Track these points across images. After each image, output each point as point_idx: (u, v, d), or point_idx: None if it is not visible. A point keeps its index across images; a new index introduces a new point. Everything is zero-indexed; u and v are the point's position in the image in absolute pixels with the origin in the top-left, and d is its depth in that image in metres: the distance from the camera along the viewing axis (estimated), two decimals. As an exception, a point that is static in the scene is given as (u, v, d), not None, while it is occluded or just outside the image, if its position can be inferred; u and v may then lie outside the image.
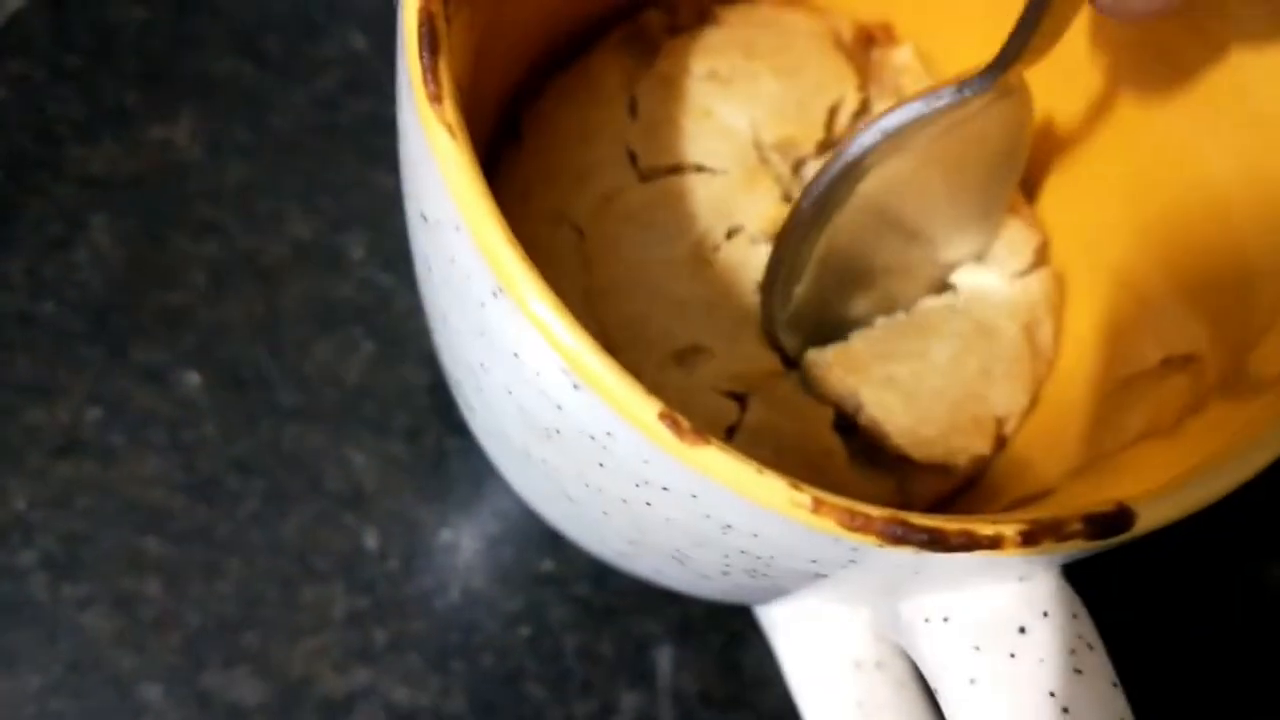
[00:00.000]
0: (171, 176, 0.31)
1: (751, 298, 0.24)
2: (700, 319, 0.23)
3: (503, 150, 0.25)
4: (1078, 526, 0.16)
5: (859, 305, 0.25)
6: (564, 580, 0.30)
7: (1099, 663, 0.18)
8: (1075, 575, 0.19)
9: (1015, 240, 0.26)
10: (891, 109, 0.21)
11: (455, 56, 0.17)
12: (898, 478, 0.25)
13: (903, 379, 0.24)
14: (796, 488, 0.15)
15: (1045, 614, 0.18)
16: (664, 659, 0.29)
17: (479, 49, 0.20)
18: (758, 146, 0.24)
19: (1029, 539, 0.16)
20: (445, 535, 0.30)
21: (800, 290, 0.23)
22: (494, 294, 0.16)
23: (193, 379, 0.30)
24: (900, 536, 0.16)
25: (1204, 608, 0.31)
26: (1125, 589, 0.30)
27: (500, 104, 0.25)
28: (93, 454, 0.29)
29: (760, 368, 0.24)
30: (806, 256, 0.23)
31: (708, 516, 0.17)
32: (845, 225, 0.23)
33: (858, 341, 0.25)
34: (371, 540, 0.29)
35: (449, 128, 0.16)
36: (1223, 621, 0.31)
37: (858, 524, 0.15)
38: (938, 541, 0.16)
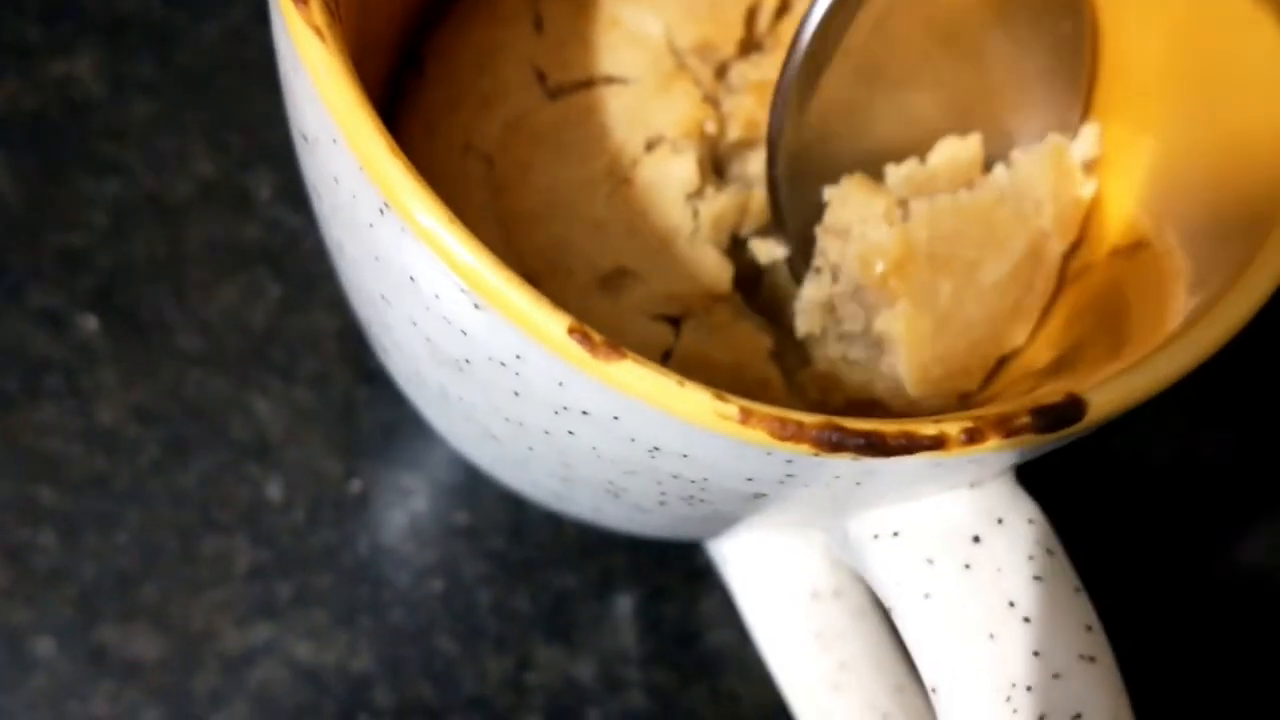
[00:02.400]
0: (73, 113, 0.30)
1: (679, 213, 0.23)
2: (623, 240, 0.22)
3: (407, 82, 0.24)
4: (1026, 420, 0.15)
5: (877, 132, 0.23)
6: (479, 533, 0.29)
7: (1060, 568, 0.17)
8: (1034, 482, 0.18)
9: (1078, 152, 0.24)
10: None
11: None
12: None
13: (944, 298, 0.22)
14: (721, 398, 0.15)
15: (1000, 521, 0.17)
16: (584, 615, 0.29)
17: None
18: (673, 51, 0.23)
19: (974, 436, 0.15)
20: (353, 486, 0.29)
21: (813, 108, 0.22)
22: (380, 211, 0.15)
23: (91, 323, 0.28)
24: (836, 443, 0.15)
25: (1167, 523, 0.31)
26: (1086, 494, 0.29)
27: (402, 33, 0.24)
28: (-16, 400, 0.28)
29: (695, 288, 0.22)
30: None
31: (633, 440, 0.16)
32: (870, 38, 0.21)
33: (919, 225, 0.22)
34: (276, 491, 0.28)
35: (316, 30, 0.14)
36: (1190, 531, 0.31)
37: (789, 433, 0.15)
38: (876, 446, 0.15)
